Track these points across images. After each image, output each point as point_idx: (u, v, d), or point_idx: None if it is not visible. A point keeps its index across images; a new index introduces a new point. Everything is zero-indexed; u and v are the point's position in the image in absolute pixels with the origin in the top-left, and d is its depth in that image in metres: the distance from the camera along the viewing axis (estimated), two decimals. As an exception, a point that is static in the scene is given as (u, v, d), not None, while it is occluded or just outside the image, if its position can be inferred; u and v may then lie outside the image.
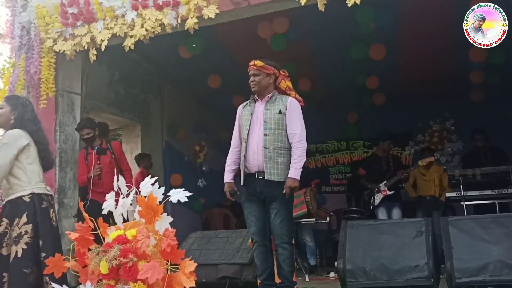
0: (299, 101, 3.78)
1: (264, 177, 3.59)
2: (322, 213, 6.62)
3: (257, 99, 3.81)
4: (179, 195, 2.68)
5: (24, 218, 3.27)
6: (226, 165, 3.86)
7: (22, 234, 3.25)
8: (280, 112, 3.65)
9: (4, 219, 3.30)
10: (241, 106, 3.92)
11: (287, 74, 3.86)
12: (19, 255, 3.20)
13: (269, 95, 3.74)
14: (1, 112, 3.51)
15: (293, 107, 3.68)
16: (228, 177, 3.82)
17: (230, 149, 3.87)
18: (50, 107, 5.11)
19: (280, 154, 3.60)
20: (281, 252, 3.63)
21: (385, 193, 6.10)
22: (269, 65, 3.73)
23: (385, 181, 6.12)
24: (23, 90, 5.17)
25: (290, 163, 3.61)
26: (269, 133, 3.62)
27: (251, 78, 3.75)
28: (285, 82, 3.79)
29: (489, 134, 6.47)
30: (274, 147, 3.60)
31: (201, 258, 4.65)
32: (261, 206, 3.67)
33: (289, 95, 3.78)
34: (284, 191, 3.54)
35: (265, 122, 3.66)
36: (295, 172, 3.55)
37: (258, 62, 3.71)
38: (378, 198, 6.14)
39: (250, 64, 3.76)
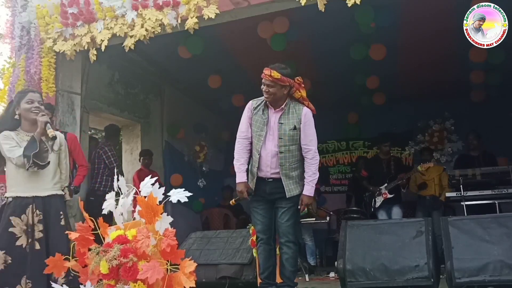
0: (312, 110, 3.69)
1: (274, 179, 3.63)
2: (322, 213, 6.62)
3: (270, 106, 3.67)
4: (179, 195, 2.68)
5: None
6: (238, 163, 3.69)
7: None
8: (294, 128, 3.59)
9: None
10: (252, 105, 3.72)
11: (302, 81, 3.70)
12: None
13: (283, 106, 3.62)
14: None
15: (307, 120, 3.61)
16: (241, 177, 3.67)
17: (240, 147, 3.71)
18: (50, 107, 5.11)
19: (293, 169, 3.65)
20: (285, 251, 3.64)
21: (385, 196, 6.13)
22: (285, 76, 3.53)
23: (386, 184, 6.15)
24: (23, 90, 5.17)
25: (303, 175, 3.66)
26: (284, 150, 3.59)
27: (265, 88, 3.56)
28: (299, 92, 3.66)
29: (489, 134, 6.47)
30: (289, 164, 3.62)
31: (201, 258, 4.64)
32: (269, 205, 3.69)
33: (303, 104, 3.67)
34: (299, 207, 3.62)
35: (279, 138, 3.59)
36: (310, 189, 3.62)
37: (275, 74, 3.49)
38: (379, 200, 6.18)
39: (266, 73, 3.54)
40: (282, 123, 3.60)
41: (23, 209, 3.16)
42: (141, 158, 6.72)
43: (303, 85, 3.70)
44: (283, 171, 3.60)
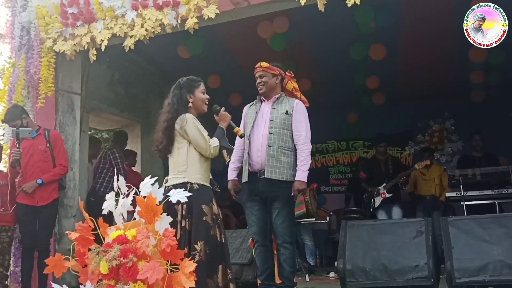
0: (304, 102, 3.80)
1: (266, 177, 3.59)
2: (322, 213, 6.62)
3: (263, 100, 3.82)
4: (179, 195, 2.68)
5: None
6: (230, 163, 3.82)
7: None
8: (286, 113, 3.67)
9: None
10: (247, 106, 3.94)
11: (293, 75, 3.88)
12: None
13: (276, 96, 3.76)
14: None
15: (299, 109, 3.70)
16: (231, 174, 3.83)
17: (234, 147, 3.85)
18: (50, 107, 5.11)
19: (283, 154, 3.61)
20: (283, 252, 3.62)
21: (384, 195, 6.13)
22: (274, 66, 3.77)
23: (384, 184, 6.15)
24: (23, 90, 5.17)
25: (295, 164, 3.63)
26: (274, 132, 3.63)
27: (258, 80, 3.77)
28: (291, 83, 3.82)
29: (489, 134, 6.47)
30: (278, 146, 3.61)
31: (201, 258, 4.64)
32: (263, 206, 3.67)
33: (295, 96, 3.80)
34: (292, 194, 3.57)
35: (271, 121, 3.67)
36: (302, 174, 3.57)
37: (264, 64, 3.75)
38: (377, 200, 6.18)
39: (256, 66, 3.78)
40: (274, 108, 3.72)
41: (210, 198, 3.10)
42: (124, 158, 6.65)
43: (295, 79, 3.86)
44: (270, 152, 3.58)
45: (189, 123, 3.09)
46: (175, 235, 2.71)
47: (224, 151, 3.15)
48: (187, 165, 3.11)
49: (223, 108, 3.38)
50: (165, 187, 3.12)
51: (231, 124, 3.36)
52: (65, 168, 4.74)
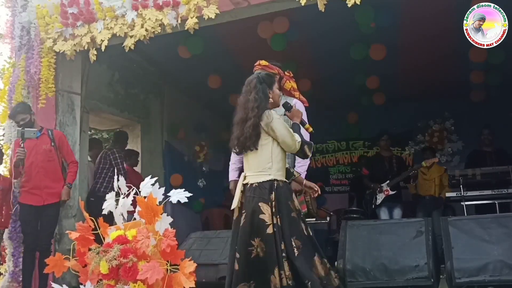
0: (303, 101, 3.79)
1: None
2: (322, 213, 6.61)
3: None
4: (179, 195, 2.69)
5: None
6: (230, 163, 3.84)
7: None
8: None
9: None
10: None
11: (292, 75, 3.87)
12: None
13: None
14: None
15: (298, 108, 3.69)
16: (233, 175, 3.80)
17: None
18: (50, 107, 5.11)
19: None
20: None
21: (387, 193, 6.10)
22: (273, 65, 3.75)
23: (388, 181, 6.13)
24: (23, 90, 5.17)
25: (294, 165, 3.61)
26: None
27: None
28: (289, 82, 3.81)
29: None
30: None
31: (201, 258, 4.64)
32: None
33: (294, 95, 3.79)
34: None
35: None
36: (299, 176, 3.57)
37: (263, 62, 3.73)
38: (380, 197, 6.14)
39: (255, 64, 3.76)
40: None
41: (292, 194, 3.11)
42: (126, 158, 6.66)
43: (293, 79, 3.83)
44: None
45: (275, 119, 3.09)
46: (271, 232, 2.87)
47: (306, 146, 3.15)
48: (272, 162, 3.08)
49: (294, 105, 3.41)
50: (245, 184, 3.12)
51: (302, 120, 3.35)
52: (77, 163, 4.86)
